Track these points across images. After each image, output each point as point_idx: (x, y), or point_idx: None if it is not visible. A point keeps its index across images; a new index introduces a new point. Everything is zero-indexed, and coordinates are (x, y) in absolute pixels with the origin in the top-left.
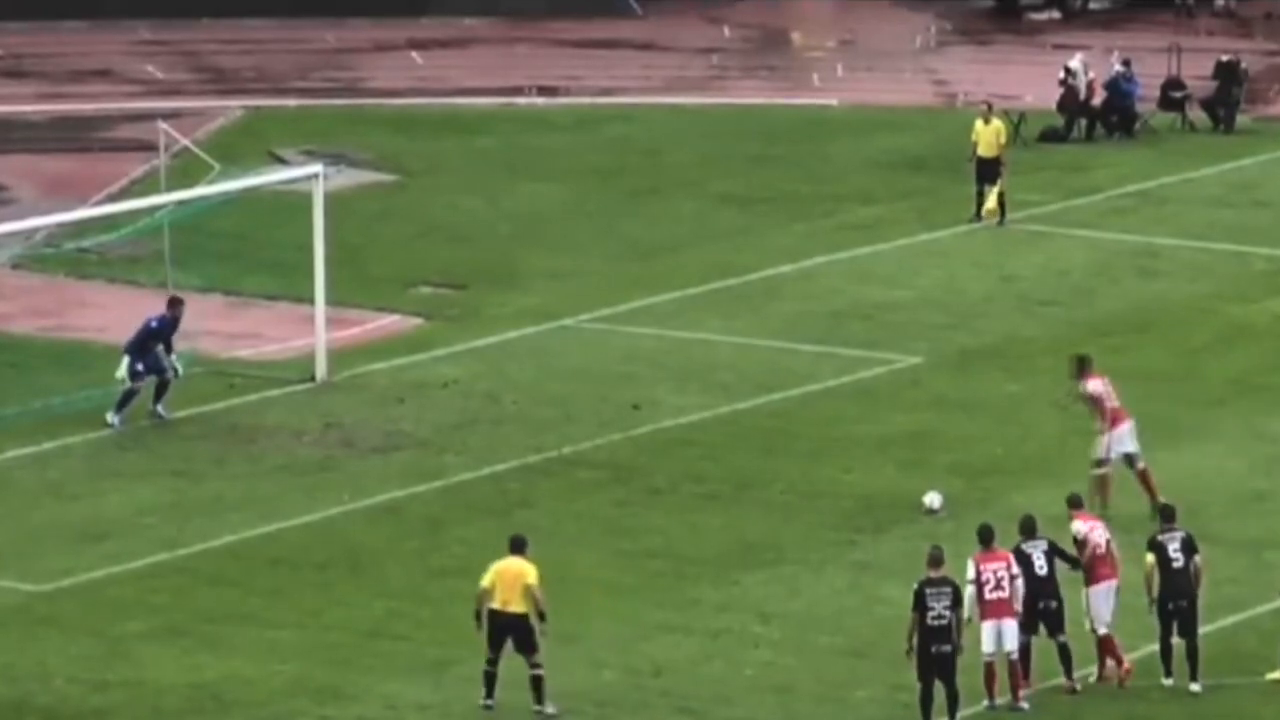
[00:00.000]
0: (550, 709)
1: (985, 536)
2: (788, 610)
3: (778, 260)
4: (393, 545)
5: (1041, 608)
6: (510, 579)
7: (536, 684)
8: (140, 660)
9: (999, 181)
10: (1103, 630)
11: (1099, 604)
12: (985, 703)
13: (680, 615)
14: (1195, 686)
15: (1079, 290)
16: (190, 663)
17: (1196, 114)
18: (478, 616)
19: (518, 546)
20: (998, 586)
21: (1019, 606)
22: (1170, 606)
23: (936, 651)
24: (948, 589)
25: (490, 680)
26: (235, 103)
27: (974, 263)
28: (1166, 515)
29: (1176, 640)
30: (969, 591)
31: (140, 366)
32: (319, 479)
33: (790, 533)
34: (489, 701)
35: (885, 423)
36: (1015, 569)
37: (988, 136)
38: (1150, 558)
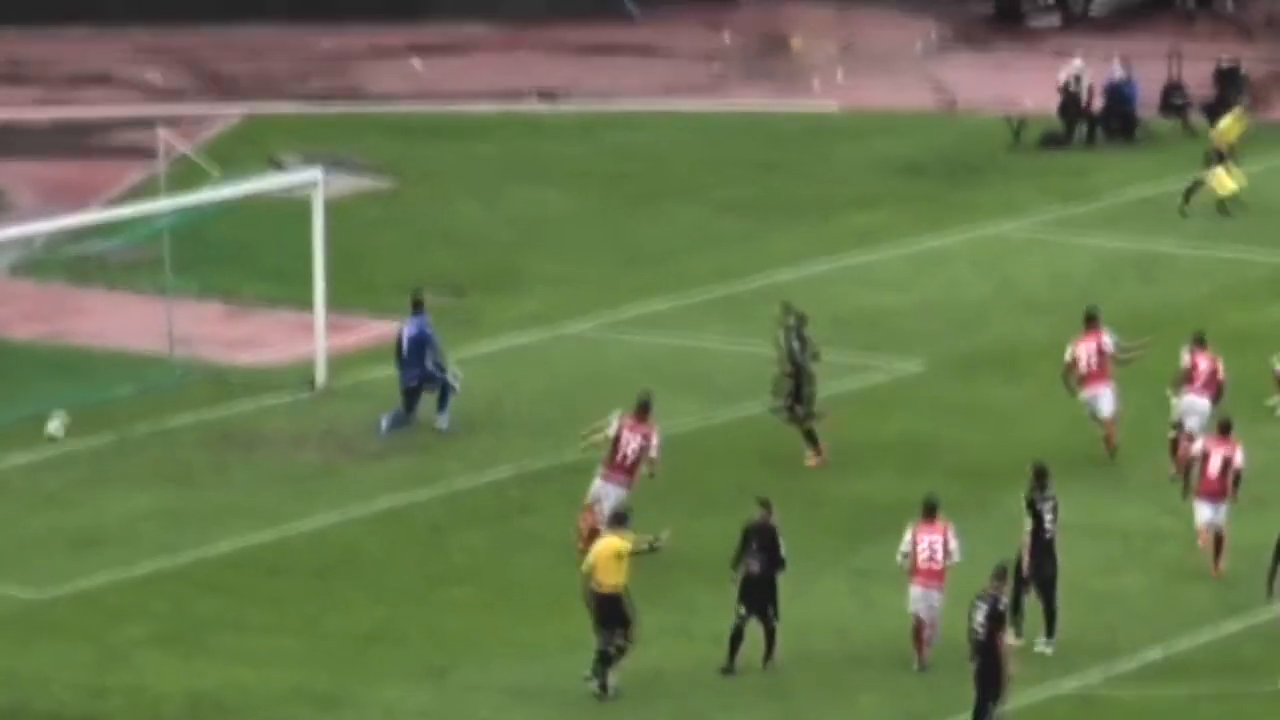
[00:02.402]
0: (610, 684)
1: (928, 509)
2: (788, 615)
3: (778, 266)
4: (392, 552)
5: (1038, 572)
6: (606, 556)
7: (605, 659)
8: (139, 667)
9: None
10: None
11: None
12: (915, 665)
13: (681, 620)
14: (1048, 649)
15: (1079, 295)
16: (189, 669)
17: (1197, 119)
18: (586, 599)
19: (616, 521)
20: (931, 557)
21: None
22: (1036, 571)
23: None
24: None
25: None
26: (235, 108)
27: (975, 268)
28: (1040, 477)
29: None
30: (900, 560)
31: (416, 377)
32: (319, 486)
33: (790, 538)
34: (595, 685)
35: (885, 428)
36: (952, 543)
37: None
38: (1029, 521)
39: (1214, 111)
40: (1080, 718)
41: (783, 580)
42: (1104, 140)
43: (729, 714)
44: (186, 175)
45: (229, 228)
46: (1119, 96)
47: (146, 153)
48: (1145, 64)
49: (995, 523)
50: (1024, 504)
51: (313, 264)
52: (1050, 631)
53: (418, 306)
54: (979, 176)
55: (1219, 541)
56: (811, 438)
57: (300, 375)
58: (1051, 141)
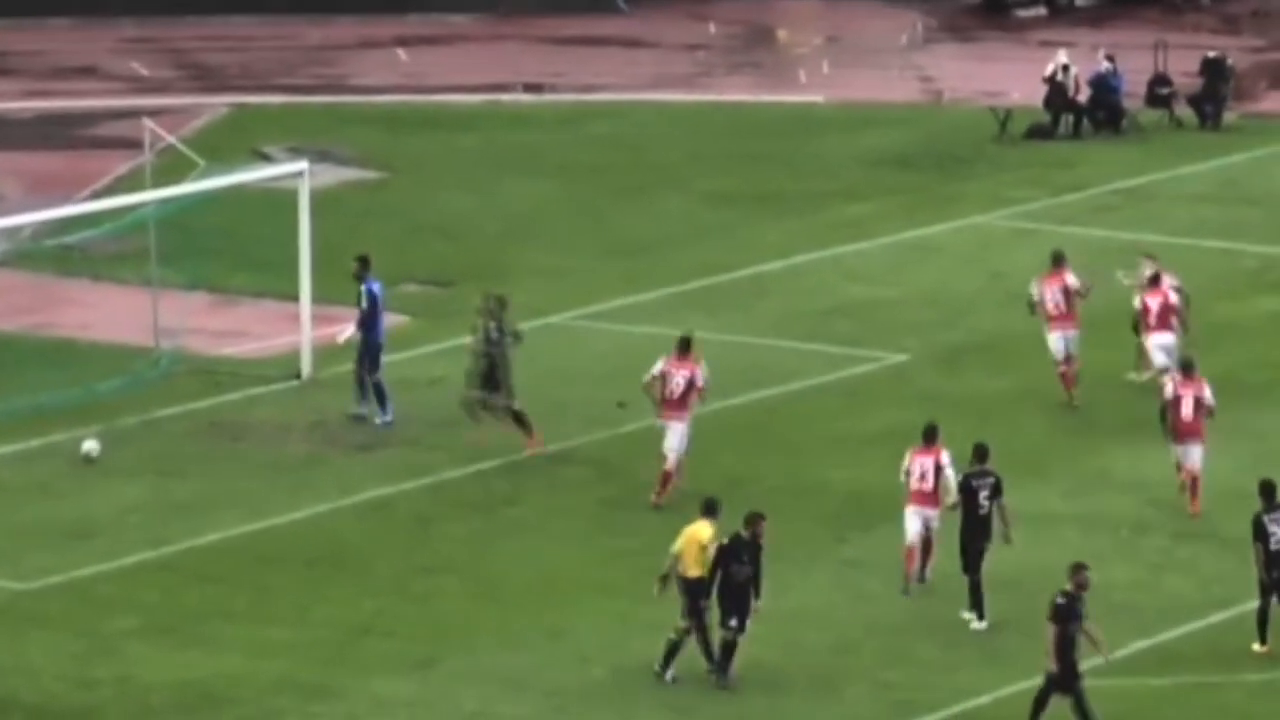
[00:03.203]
0: (668, 675)
1: (927, 434)
2: (776, 607)
3: (765, 258)
4: (380, 542)
5: (976, 549)
6: (692, 543)
7: (672, 647)
8: (128, 658)
9: None
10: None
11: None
12: (913, 581)
13: (667, 612)
14: (980, 624)
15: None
16: (178, 660)
17: (1183, 110)
18: (663, 580)
19: (709, 510)
20: (922, 478)
21: (945, 499)
22: (974, 548)
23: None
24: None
25: (708, 647)
26: (221, 100)
27: (961, 260)
28: (980, 455)
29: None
30: (902, 480)
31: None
32: (305, 476)
33: (777, 530)
34: (664, 671)
35: (873, 420)
36: (947, 470)
37: None
38: (959, 498)
39: (1199, 103)
40: (1066, 708)
41: (768, 572)
42: (1090, 132)
43: (716, 706)
44: (173, 166)
45: (215, 219)
46: (1105, 88)
47: (133, 144)
48: (1131, 55)
49: None
50: (958, 482)
51: (299, 255)
52: (976, 605)
53: (368, 263)
54: (965, 168)
55: (1195, 482)
56: (521, 422)
57: (286, 366)
58: (1037, 133)
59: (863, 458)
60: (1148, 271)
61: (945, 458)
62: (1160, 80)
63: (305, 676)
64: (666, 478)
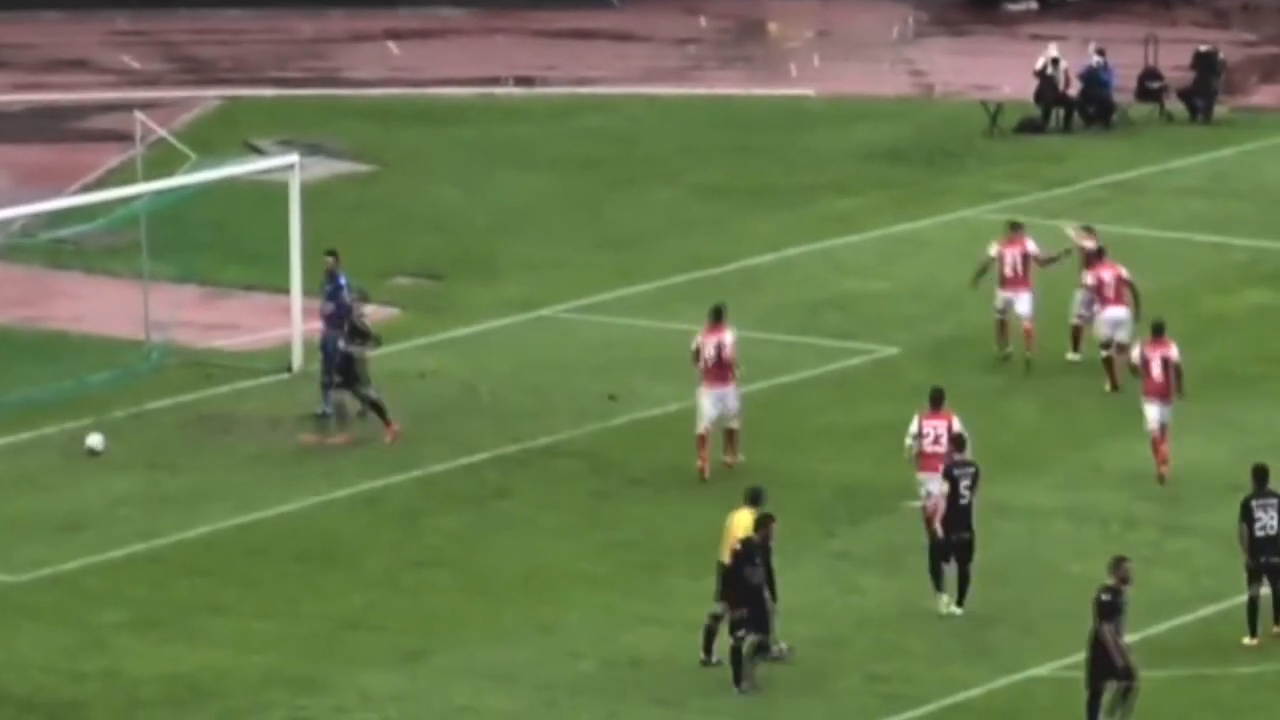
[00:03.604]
0: (713, 658)
1: (934, 398)
2: None
3: (755, 251)
4: (369, 536)
5: (955, 539)
6: (733, 531)
7: (709, 632)
8: (117, 651)
9: None
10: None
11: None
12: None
13: (657, 606)
14: (958, 610)
15: (1054, 280)
16: (166, 653)
17: (1174, 105)
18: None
19: (752, 499)
20: (936, 442)
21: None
22: (954, 538)
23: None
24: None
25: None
26: (212, 93)
27: (951, 254)
28: (960, 445)
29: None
30: (909, 444)
31: None
32: (295, 469)
33: None
34: (708, 658)
35: (862, 413)
36: (957, 428)
37: None
38: (945, 486)
39: (1190, 97)
40: (1057, 700)
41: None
42: (1080, 126)
43: (705, 700)
44: (164, 159)
45: (206, 212)
46: (1095, 82)
47: (124, 137)
48: (1122, 49)
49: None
50: (941, 472)
51: (289, 248)
52: (961, 598)
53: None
54: (956, 162)
55: (1164, 435)
56: (378, 410)
57: (277, 359)
58: (1028, 127)
59: (852, 451)
60: (1087, 244)
61: (957, 423)
62: (1151, 74)
63: (294, 670)
64: (701, 441)
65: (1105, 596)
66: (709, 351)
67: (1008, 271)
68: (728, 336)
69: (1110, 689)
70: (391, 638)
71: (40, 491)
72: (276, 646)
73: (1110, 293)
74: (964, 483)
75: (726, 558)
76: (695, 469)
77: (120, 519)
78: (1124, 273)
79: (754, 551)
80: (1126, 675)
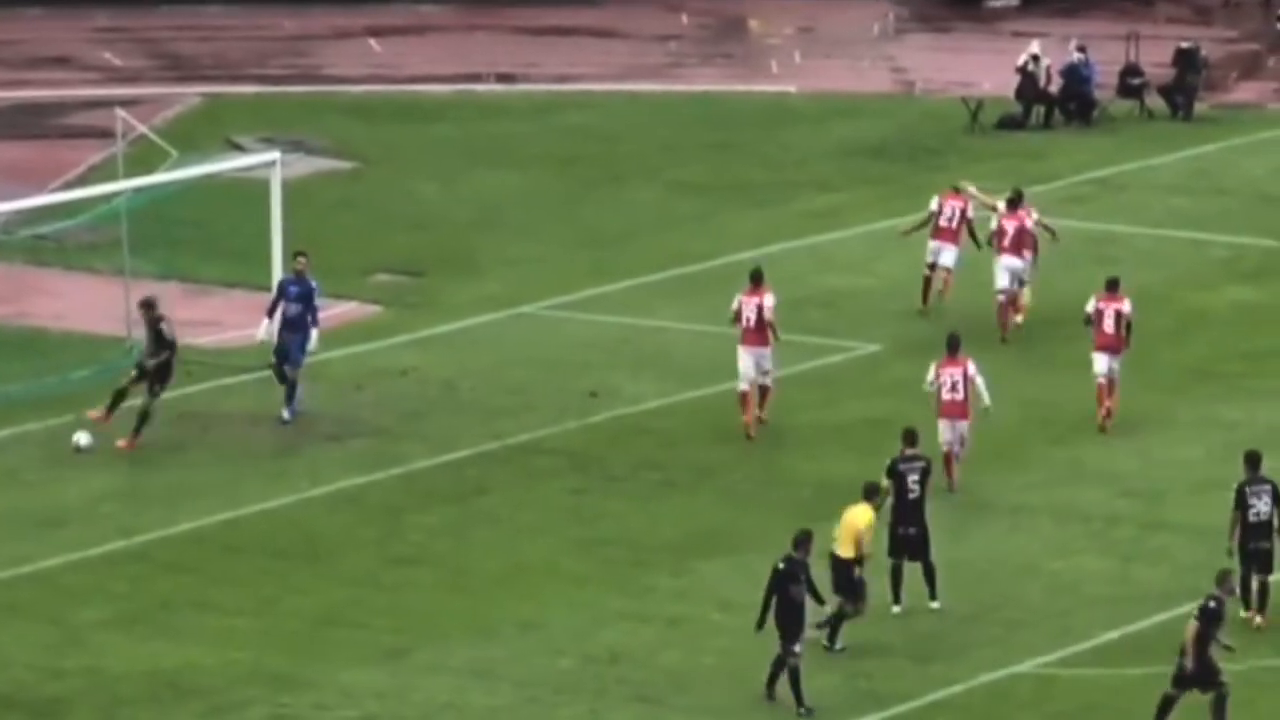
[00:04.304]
0: (837, 646)
1: (951, 344)
2: (746, 598)
3: (737, 248)
4: (350, 533)
5: (902, 534)
6: (848, 524)
7: (832, 623)
8: (98, 648)
9: None
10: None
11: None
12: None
13: (638, 603)
14: (935, 604)
15: (1047, 276)
16: (147, 650)
17: (1155, 101)
18: (859, 562)
19: (869, 493)
20: (953, 389)
21: (979, 405)
22: (901, 532)
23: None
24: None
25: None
26: (193, 89)
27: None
28: (910, 439)
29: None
30: (926, 386)
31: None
32: (277, 466)
33: (748, 520)
34: (832, 645)
35: (844, 410)
36: (973, 372)
37: None
38: (887, 483)
39: (1171, 94)
40: (1038, 697)
41: (738, 562)
42: (1061, 122)
43: (686, 697)
44: (145, 156)
45: (188, 209)
46: (1076, 78)
47: (105, 134)
48: (1103, 46)
49: (955, 504)
50: (885, 469)
51: (271, 245)
52: (933, 590)
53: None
54: (937, 159)
55: (1111, 387)
56: (142, 420)
57: (258, 356)
58: (1009, 123)
59: (834, 448)
60: (998, 203)
61: (972, 367)
62: (1132, 71)
63: (275, 666)
64: (744, 399)
65: (1213, 605)
66: (749, 313)
67: (942, 223)
68: (768, 299)
69: (1203, 695)
70: (372, 635)
71: (21, 488)
72: (258, 643)
73: (1007, 242)
74: (911, 477)
75: (842, 550)
76: (740, 424)
77: (101, 516)
78: (1028, 222)
79: (798, 570)
80: (1202, 683)
